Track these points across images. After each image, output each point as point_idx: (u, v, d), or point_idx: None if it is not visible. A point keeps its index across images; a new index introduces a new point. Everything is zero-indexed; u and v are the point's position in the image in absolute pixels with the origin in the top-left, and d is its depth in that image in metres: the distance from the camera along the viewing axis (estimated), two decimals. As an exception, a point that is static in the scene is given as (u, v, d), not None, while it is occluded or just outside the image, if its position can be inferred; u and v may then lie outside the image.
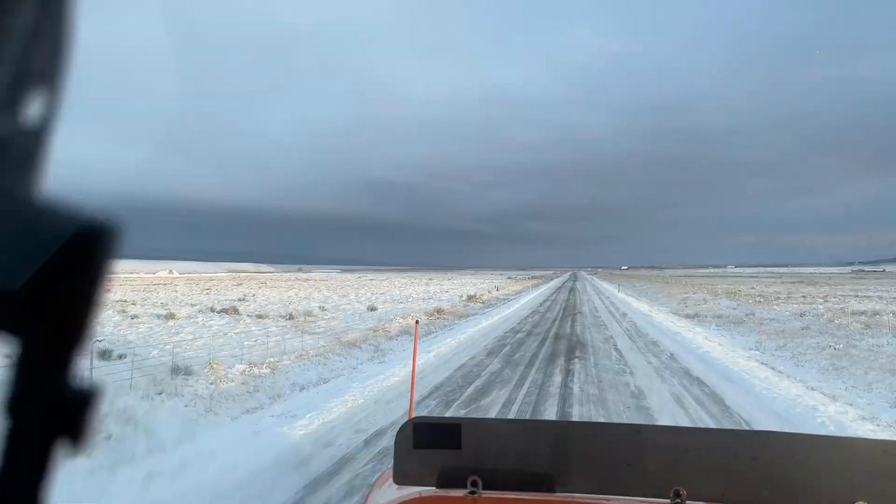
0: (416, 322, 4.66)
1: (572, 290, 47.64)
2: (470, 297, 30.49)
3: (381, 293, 38.40)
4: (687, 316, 21.83)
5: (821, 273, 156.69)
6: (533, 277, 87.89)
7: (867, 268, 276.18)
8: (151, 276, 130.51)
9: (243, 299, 30.78)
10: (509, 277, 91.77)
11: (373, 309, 23.83)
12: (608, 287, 54.07)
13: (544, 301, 32.00)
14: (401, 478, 1.52)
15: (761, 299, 30.45)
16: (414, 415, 2.07)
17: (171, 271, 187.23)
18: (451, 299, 31.76)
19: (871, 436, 5.34)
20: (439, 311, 21.70)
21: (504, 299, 33.73)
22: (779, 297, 32.29)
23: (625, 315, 22.83)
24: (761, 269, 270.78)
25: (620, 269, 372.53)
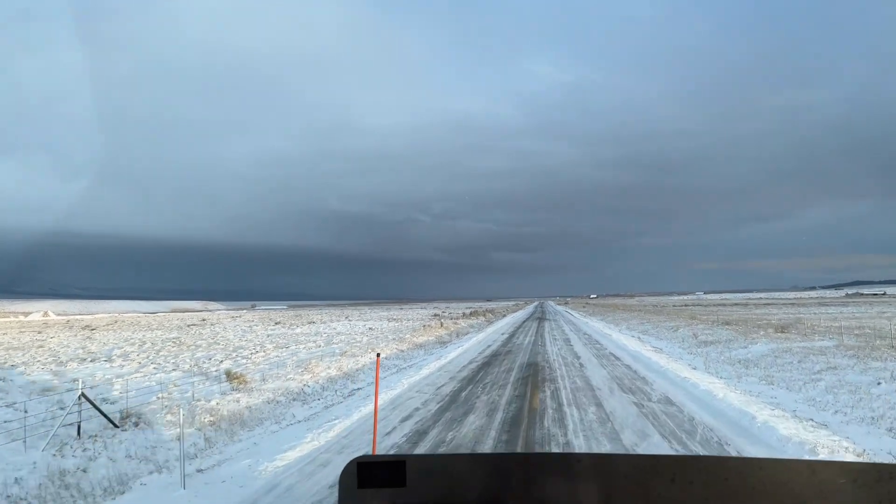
0: (378, 355, 4.53)
1: (532, 379, 15.02)
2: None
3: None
4: None
5: (811, 298, 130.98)
6: (473, 314, 53.97)
7: (854, 290, 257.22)
8: (23, 319, 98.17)
9: None
10: (435, 315, 58.05)
11: None
12: (632, 346, 21.05)
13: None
14: None
15: None
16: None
17: (45, 313, 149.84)
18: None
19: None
20: None
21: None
22: None
23: None
24: (741, 296, 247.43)
25: (589, 297, 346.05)
